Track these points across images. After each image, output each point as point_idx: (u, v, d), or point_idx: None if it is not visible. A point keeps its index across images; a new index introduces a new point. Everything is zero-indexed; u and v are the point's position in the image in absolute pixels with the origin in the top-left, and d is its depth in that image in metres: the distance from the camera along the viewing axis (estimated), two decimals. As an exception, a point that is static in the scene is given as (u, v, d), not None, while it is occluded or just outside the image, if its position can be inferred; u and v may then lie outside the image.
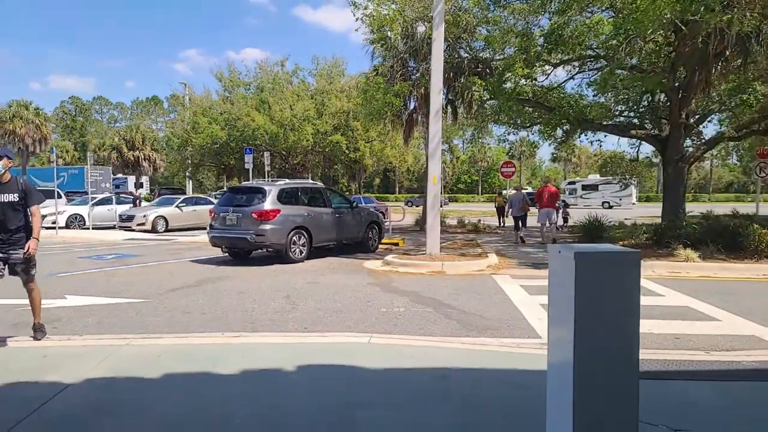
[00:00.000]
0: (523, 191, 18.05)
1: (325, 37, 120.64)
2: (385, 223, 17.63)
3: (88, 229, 19.51)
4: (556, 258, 2.41)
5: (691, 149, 16.96)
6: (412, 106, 19.96)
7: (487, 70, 17.42)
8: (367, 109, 17.19)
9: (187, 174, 33.80)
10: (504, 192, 27.66)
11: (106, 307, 7.07)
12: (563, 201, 23.34)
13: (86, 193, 20.88)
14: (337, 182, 70.31)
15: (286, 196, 11.70)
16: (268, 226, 11.06)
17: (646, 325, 5.80)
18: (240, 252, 12.09)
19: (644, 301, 7.00)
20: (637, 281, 2.17)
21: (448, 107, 20.04)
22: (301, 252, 11.70)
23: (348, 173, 38.71)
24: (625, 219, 22.56)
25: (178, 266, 11.23)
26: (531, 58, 13.44)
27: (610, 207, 47.45)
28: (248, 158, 19.10)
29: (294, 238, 11.54)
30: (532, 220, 17.54)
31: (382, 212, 23.17)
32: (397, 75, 16.98)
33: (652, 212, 35.87)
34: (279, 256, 11.47)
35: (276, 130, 26.99)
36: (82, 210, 20.37)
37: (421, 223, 20.13)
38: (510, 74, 14.94)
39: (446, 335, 5.70)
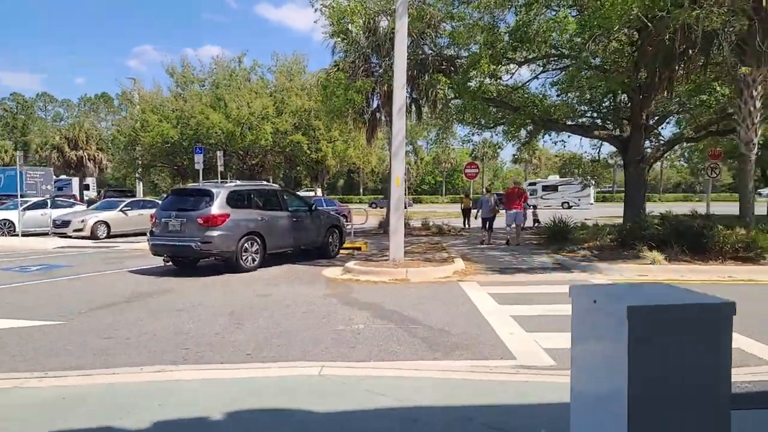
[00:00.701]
0: (494, 193, 17.68)
1: (287, 36, 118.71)
2: (348, 227, 16.92)
3: (18, 236, 17.87)
4: (587, 306, 1.71)
5: (650, 150, 16.95)
6: (375, 105, 19.32)
7: (452, 68, 16.94)
8: (327, 107, 16.41)
9: (137, 175, 32.06)
10: (470, 193, 27.23)
11: (7, 333, 6.06)
12: (532, 204, 23.21)
13: (23, 195, 19.19)
14: (300, 184, 69.20)
15: (236, 199, 10.82)
16: (215, 233, 10.15)
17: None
18: (185, 261, 11.12)
19: None
20: (728, 345, 1.47)
21: (412, 106, 19.50)
22: (254, 260, 10.84)
23: (310, 174, 37.77)
24: (586, 219, 22.53)
25: (113, 278, 10.19)
26: (497, 54, 12.98)
27: (570, 207, 48.15)
28: (198, 158, 17.98)
29: (245, 244, 10.67)
30: (498, 222, 17.18)
31: (344, 215, 22.43)
32: (359, 71, 16.29)
33: (610, 212, 36.38)
34: (229, 264, 10.58)
35: (233, 129, 25.81)
36: (12, 215, 18.55)
37: (384, 226, 19.48)
38: (475, 72, 14.49)
39: (411, 358, 5.04)
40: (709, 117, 15.26)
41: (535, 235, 17.31)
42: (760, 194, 40.58)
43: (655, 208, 22.61)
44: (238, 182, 12.21)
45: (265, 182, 13.87)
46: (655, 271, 9.62)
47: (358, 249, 14.98)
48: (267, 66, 29.79)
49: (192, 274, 10.37)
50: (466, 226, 21.88)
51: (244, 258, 10.64)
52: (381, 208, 38.27)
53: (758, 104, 11.08)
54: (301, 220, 12.25)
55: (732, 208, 31.55)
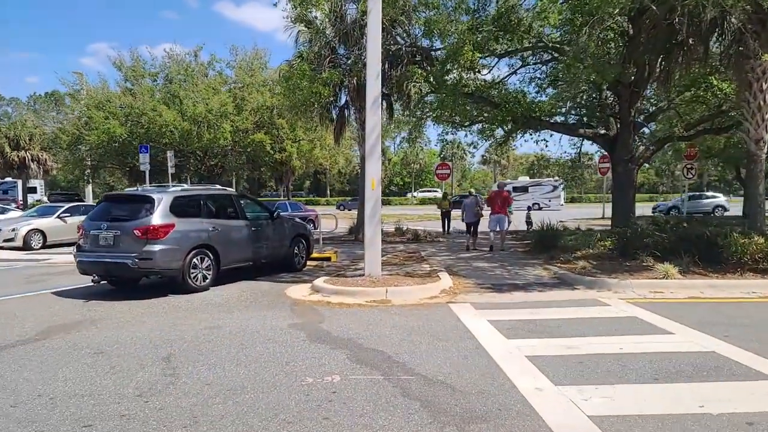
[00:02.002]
0: (477, 195, 16.37)
1: (250, 36, 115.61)
2: (315, 232, 15.35)
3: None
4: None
5: (641, 148, 16.03)
6: (343, 101, 17.78)
7: (428, 60, 15.58)
8: (290, 101, 14.79)
9: (86, 177, 29.52)
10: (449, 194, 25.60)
11: None
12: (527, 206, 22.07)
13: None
14: (265, 186, 66.90)
15: (182, 207, 9.10)
16: (156, 247, 8.43)
17: (687, 398, 3.95)
18: (122, 280, 9.34)
19: (656, 345, 5.08)
20: None
21: (384, 102, 18.01)
22: (205, 278, 9.16)
23: (274, 176, 35.84)
24: (560, 221, 21.60)
25: (30, 302, 8.34)
26: (482, 40, 11.66)
27: (540, 208, 47.66)
28: (144, 158, 16.04)
29: (194, 260, 8.98)
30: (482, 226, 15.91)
31: (311, 219, 20.80)
32: (325, 62, 14.71)
33: (584, 213, 35.94)
34: (175, 284, 8.87)
35: (188, 128, 23.83)
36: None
37: (356, 232, 17.96)
38: (454, 64, 13.16)
39: (409, 438, 3.56)
40: (701, 114, 14.39)
41: (519, 241, 16.09)
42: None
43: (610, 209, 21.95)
44: (186, 186, 10.49)
45: (218, 186, 12.13)
46: (671, 288, 8.43)
47: (328, 260, 13.44)
48: (226, 61, 27.88)
49: (128, 297, 8.60)
50: (447, 231, 20.42)
51: (192, 276, 8.95)
52: (350, 210, 36.64)
53: (768, 98, 10.09)
54: (261, 229, 10.62)
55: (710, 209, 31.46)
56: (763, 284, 8.48)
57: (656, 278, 8.79)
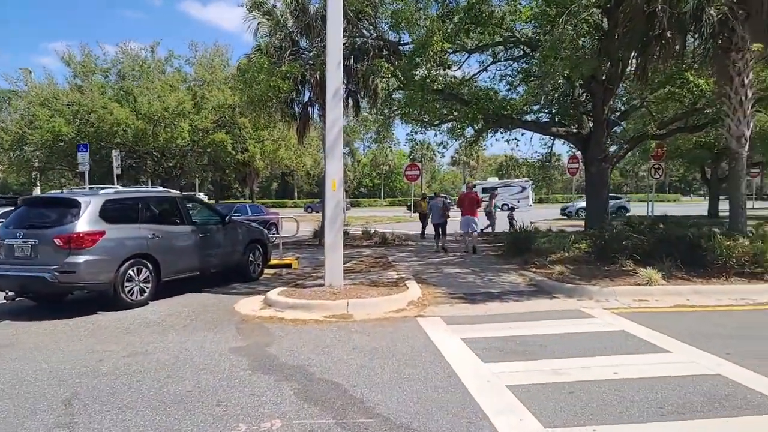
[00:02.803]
0: (442, 197, 15.68)
1: (216, 36, 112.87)
2: (276, 237, 14.33)
3: None
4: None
5: (614, 148, 15.59)
6: (307, 97, 16.82)
7: (395, 54, 14.76)
8: (247, 95, 13.71)
9: (33, 179, 27.60)
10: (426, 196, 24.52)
11: None
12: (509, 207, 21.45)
13: None
14: (230, 188, 65.11)
15: (115, 211, 8.00)
16: (81, 258, 7.32)
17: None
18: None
19: (654, 368, 4.37)
20: None
21: (349, 99, 17.16)
22: (143, 291, 8.08)
23: (238, 177, 34.47)
24: (531, 222, 21.09)
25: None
26: (452, 31, 10.90)
27: (510, 209, 47.53)
28: (82, 157, 14.72)
29: (130, 271, 7.89)
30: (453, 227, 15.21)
31: (273, 223, 19.71)
32: (285, 55, 13.71)
33: (553, 214, 35.88)
34: (107, 299, 7.77)
35: (142, 126, 22.37)
36: None
37: (320, 236, 16.95)
38: (423, 58, 12.38)
39: None
40: (675, 112, 14.00)
41: (491, 244, 15.42)
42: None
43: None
44: (120, 188, 9.34)
45: (160, 188, 11.02)
46: (655, 295, 7.80)
47: (289, 266, 12.48)
48: (185, 57, 26.46)
49: (49, 315, 7.43)
50: (424, 234, 19.55)
51: (127, 290, 7.86)
52: (317, 212, 35.56)
53: (750, 93, 9.63)
54: (210, 235, 9.58)
55: (675, 209, 31.60)
56: (751, 290, 7.94)
57: (639, 284, 8.15)
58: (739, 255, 8.34)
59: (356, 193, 76.78)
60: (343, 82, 16.19)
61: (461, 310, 7.40)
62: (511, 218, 19.11)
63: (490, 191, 49.49)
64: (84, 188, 11.02)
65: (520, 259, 11.49)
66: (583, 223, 23.95)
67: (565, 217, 34.03)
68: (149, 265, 8.21)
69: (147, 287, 8.16)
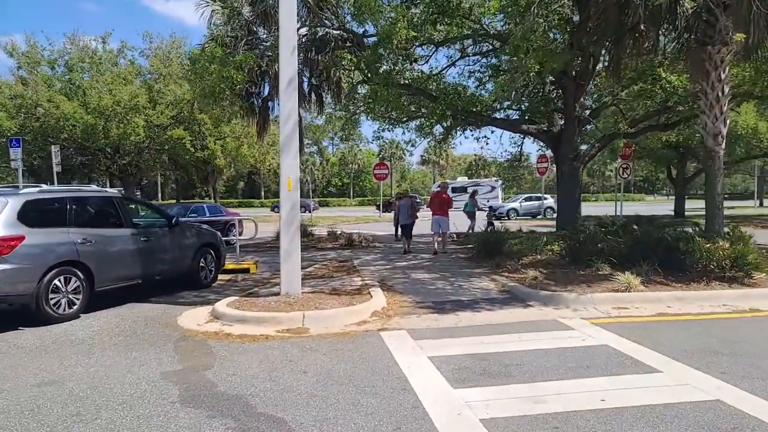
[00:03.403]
0: (412, 197, 15.05)
1: (180, 31, 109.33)
2: (236, 239, 13.43)
3: None
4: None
5: (585, 146, 15.25)
6: (267, 91, 15.92)
7: (359, 46, 14.03)
8: (198, 87, 12.75)
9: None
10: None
11: None
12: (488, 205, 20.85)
13: None
14: (195, 187, 63.21)
15: (38, 213, 7.05)
16: (-7, 268, 6.35)
17: None
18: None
19: (645, 393, 3.83)
20: None
21: (312, 94, 16.37)
22: (72, 303, 7.14)
23: (199, 176, 33.14)
24: (501, 222, 20.68)
25: None
26: (417, 20, 10.25)
27: (479, 209, 47.37)
28: (15, 153, 13.41)
29: (56, 281, 6.95)
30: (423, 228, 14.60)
31: (233, 224, 18.72)
32: (240, 44, 12.81)
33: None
34: (30, 312, 6.82)
35: (92, 121, 21.01)
36: None
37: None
38: (387, 48, 11.70)
39: None
40: (646, 110, 13.72)
41: (461, 245, 14.86)
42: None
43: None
44: (44, 187, 8.35)
45: (94, 186, 10.03)
46: (635, 302, 7.31)
47: (246, 271, 11.64)
48: (139, 49, 25.12)
49: (-43, 335, 6.44)
50: (398, 235, 18.86)
51: (53, 302, 6.92)
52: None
53: (726, 89, 9.29)
54: (155, 238, 8.68)
55: (641, 208, 31.81)
56: (733, 295, 7.54)
57: (618, 290, 7.66)
58: (719, 258, 7.95)
59: (325, 192, 75.74)
60: (305, 76, 15.43)
61: (429, 321, 6.73)
62: (490, 218, 18.69)
63: (462, 190, 49.45)
64: (12, 186, 9.93)
65: (491, 262, 10.93)
66: (547, 223, 23.79)
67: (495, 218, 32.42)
68: (80, 273, 7.27)
69: (77, 299, 7.23)
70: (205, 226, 10.87)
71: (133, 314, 7.52)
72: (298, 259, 7.91)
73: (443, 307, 7.39)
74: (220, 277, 10.64)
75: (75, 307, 7.20)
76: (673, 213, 27.93)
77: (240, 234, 18.31)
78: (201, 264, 9.70)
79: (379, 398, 4.22)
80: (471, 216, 18.33)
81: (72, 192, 8.01)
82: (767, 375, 4.57)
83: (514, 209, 33.25)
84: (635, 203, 53.83)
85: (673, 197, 48.16)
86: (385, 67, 12.31)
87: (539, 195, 36.07)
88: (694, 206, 35.46)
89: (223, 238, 13.05)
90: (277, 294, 7.82)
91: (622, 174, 26.48)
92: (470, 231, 18.27)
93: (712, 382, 4.41)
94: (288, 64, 7.68)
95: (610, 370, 4.75)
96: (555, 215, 31.45)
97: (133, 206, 9.08)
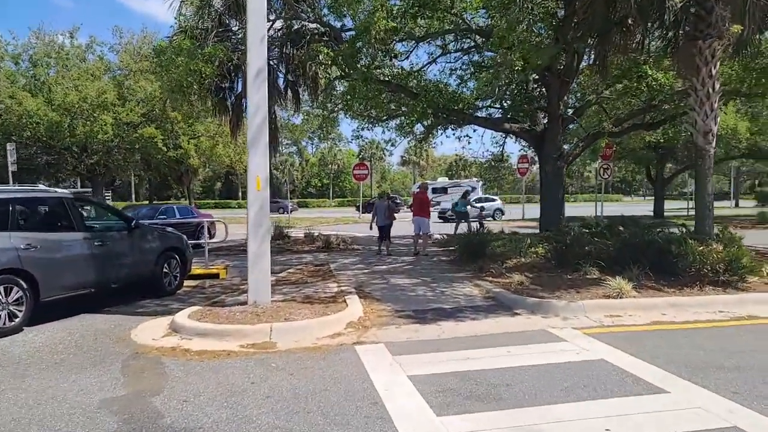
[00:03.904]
0: (393, 197, 14.52)
1: (157, 30, 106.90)
2: (206, 242, 12.70)
3: None
4: None
5: (567, 146, 14.90)
6: (240, 88, 15.23)
7: (336, 41, 13.45)
8: (164, 81, 12.01)
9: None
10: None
11: None
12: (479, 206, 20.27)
13: None
14: (171, 187, 61.73)
15: (-29, 216, 6.31)
16: None
17: None
18: None
19: (654, 418, 3.46)
20: None
21: (288, 91, 15.74)
22: (12, 316, 6.42)
23: (172, 176, 32.14)
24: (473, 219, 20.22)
25: None
26: (398, 12, 9.73)
27: (480, 209, 47.09)
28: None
29: (-7, 292, 6.22)
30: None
31: (203, 227, 17.94)
32: (210, 36, 12.12)
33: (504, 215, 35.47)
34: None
35: (57, 119, 20.00)
36: None
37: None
38: (366, 42, 11.15)
39: None
40: (631, 109, 13.42)
41: (443, 247, 14.37)
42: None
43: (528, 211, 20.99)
44: (-18, 187, 7.58)
45: (41, 186, 9.26)
46: (628, 309, 6.87)
47: (216, 276, 10.96)
48: (109, 44, 24.11)
49: None
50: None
51: (-10, 315, 6.19)
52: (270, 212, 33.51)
53: (717, 85, 8.95)
54: (111, 243, 7.97)
55: (620, 209, 31.78)
56: (728, 300, 7.17)
57: (609, 296, 7.22)
58: (713, 262, 7.58)
59: (304, 193, 74.79)
60: (281, 72, 14.79)
61: (409, 333, 6.18)
62: (480, 218, 18.26)
63: (443, 191, 49.05)
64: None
65: (474, 266, 10.45)
66: (523, 224, 23.46)
67: (441, 221, 28.93)
68: (23, 283, 6.54)
69: (20, 311, 6.50)
70: (170, 229, 10.16)
71: (82, 327, 6.81)
72: (267, 265, 7.28)
73: (424, 317, 6.85)
74: (186, 283, 9.97)
75: (17, 320, 6.47)
76: (652, 214, 27.91)
77: (212, 236, 17.58)
78: (164, 270, 9.00)
79: (351, 430, 3.65)
80: (462, 216, 17.79)
81: (15, 192, 7.26)
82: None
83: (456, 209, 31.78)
84: (614, 204, 54.25)
85: (650, 198, 48.61)
86: (363, 61, 11.76)
87: (488, 197, 35.94)
88: (671, 207, 35.70)
89: (196, 242, 12.36)
90: (245, 303, 7.19)
91: (603, 174, 26.38)
92: (460, 231, 17.78)
93: (723, 404, 3.94)
94: (257, 53, 7.07)
95: (611, 391, 4.26)
96: (503, 217, 31.20)
97: (89, 208, 8.35)
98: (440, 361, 5.11)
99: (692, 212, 29.12)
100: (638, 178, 57.18)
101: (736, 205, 47.40)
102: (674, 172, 30.95)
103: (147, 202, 42.34)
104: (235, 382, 4.69)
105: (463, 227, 16.61)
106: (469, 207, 18.66)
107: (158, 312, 7.67)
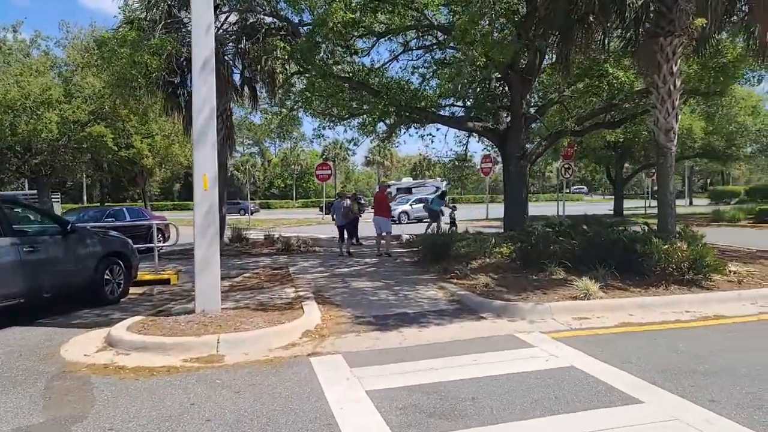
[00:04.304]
0: (348, 199, 14.02)
1: (105, 25, 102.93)
2: (156, 246, 11.96)
3: None
4: None
5: (530, 145, 14.82)
6: (191, 83, 14.47)
7: (294, 36, 12.94)
8: (107, 74, 11.25)
9: None
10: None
11: None
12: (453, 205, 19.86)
13: None
14: (126, 189, 59.46)
15: None
16: None
17: None
18: None
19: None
20: None
21: (245, 87, 15.12)
22: None
23: (126, 177, 30.79)
24: (446, 222, 20.13)
25: None
26: (356, 4, 9.34)
27: (453, 209, 46.91)
28: None
29: None
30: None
31: (160, 229, 17.07)
32: (158, 27, 11.41)
33: (467, 214, 35.37)
34: None
35: (-3, 117, 18.72)
36: None
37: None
38: (323, 36, 10.70)
39: None
40: (592, 108, 13.43)
41: (406, 247, 14.04)
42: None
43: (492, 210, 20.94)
44: None
45: None
46: (596, 311, 6.67)
47: (167, 282, 10.31)
48: (55, 39, 22.81)
49: None
50: (357, 240, 17.69)
51: None
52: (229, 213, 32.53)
53: (678, 83, 8.92)
54: (43, 249, 7.28)
55: (581, 208, 32.29)
56: (693, 300, 7.07)
57: (576, 298, 7.01)
58: (678, 260, 7.49)
59: (267, 194, 73.41)
60: (237, 68, 14.17)
61: (370, 341, 5.78)
62: (452, 217, 18.03)
63: (407, 191, 48.79)
64: None
65: (439, 267, 10.14)
66: (487, 224, 23.48)
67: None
68: (-65, 295, 5.82)
69: (-69, 327, 5.78)
70: (113, 233, 9.45)
71: (7, 342, 6.13)
72: (217, 270, 6.76)
73: (386, 323, 6.46)
74: (133, 290, 9.33)
75: (-72, 337, 5.75)
76: (612, 212, 28.43)
77: (167, 239, 16.75)
78: (106, 277, 8.33)
79: (300, 459, 3.22)
80: (435, 216, 17.46)
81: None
82: (756, 401, 3.93)
83: (405, 212, 30.21)
84: (574, 203, 55.31)
85: (610, 197, 49.69)
86: (322, 55, 11.31)
87: (427, 197, 35.65)
88: (630, 205, 36.56)
89: (147, 245, 11.62)
90: (192, 312, 6.64)
91: (564, 174, 26.70)
92: (431, 230, 17.48)
93: (702, 414, 3.70)
94: (202, 43, 6.56)
95: (584, 402, 3.97)
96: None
97: (18, 210, 7.61)
98: (402, 372, 4.73)
99: (650, 211, 29.85)
100: (597, 177, 58.52)
101: (690, 203, 49.05)
102: (632, 172, 31.63)
103: (99, 204, 40.64)
104: (172, 404, 4.18)
105: (434, 227, 16.37)
106: (443, 207, 18.37)
107: (97, 323, 7.03)
